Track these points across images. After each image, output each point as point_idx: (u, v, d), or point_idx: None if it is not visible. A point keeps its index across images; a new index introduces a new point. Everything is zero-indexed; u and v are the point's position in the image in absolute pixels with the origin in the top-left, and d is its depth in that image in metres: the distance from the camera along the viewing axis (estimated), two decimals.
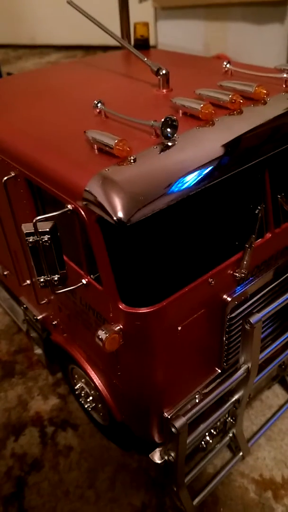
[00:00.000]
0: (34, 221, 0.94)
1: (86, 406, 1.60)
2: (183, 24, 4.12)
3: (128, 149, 0.96)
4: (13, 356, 2.02)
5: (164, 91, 1.34)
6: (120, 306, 1.03)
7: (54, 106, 1.36)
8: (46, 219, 0.97)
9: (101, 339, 1.04)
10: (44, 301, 1.48)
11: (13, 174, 1.20)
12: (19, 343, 2.09)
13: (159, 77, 1.33)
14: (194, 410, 1.19)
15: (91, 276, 1.12)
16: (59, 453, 1.63)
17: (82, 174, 0.96)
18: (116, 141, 0.96)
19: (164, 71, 1.31)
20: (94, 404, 1.55)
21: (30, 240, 0.96)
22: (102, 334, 1.04)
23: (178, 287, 1.07)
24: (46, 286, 1.05)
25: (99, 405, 1.52)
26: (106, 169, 0.94)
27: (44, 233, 0.96)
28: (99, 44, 5.21)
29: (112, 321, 1.09)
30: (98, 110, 1.20)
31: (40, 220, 0.96)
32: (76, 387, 1.63)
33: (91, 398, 1.55)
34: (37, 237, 0.96)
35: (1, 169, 1.26)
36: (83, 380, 1.57)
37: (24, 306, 1.69)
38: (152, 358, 1.13)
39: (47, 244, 0.97)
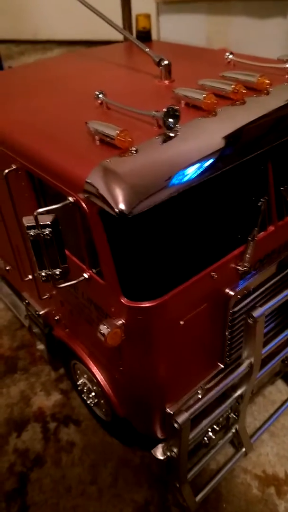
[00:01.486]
0: (35, 214, 0.93)
1: (88, 402, 1.60)
2: (185, 19, 4.10)
3: (129, 139, 0.95)
4: (15, 352, 2.02)
5: (166, 82, 1.32)
6: (122, 301, 1.02)
7: (55, 97, 1.35)
8: (47, 212, 0.96)
9: (103, 334, 1.03)
10: (46, 296, 1.47)
11: (14, 167, 1.19)
12: (21, 338, 2.08)
13: (160, 68, 1.31)
14: (196, 406, 1.18)
15: (93, 270, 1.11)
16: (61, 449, 1.62)
17: (83, 165, 0.95)
18: (117, 131, 0.94)
19: (166, 62, 1.29)
20: (96, 400, 1.54)
21: (31, 234, 0.95)
22: (104, 329, 1.03)
23: (181, 280, 1.06)
24: (48, 280, 1.03)
25: (102, 401, 1.51)
26: (108, 160, 0.92)
27: (45, 226, 0.95)
28: (102, 39, 5.19)
29: (114, 316, 1.08)
30: (99, 101, 1.18)
31: (41, 213, 0.95)
32: (78, 383, 1.62)
33: (93, 393, 1.55)
34: (38, 230, 0.95)
35: (1, 162, 1.24)
36: (85, 376, 1.56)
37: (26, 301, 1.68)
38: (154, 352, 1.12)
39: (48, 237, 0.96)
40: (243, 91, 1.13)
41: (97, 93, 1.17)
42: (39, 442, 1.65)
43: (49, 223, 0.94)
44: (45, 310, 1.57)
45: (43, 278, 1.03)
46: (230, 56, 1.42)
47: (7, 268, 1.78)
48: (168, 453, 1.27)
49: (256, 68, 1.34)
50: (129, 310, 1.03)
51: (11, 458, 1.61)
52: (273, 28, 3.85)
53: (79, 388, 1.63)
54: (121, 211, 0.86)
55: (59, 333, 1.54)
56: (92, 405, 1.59)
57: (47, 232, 0.96)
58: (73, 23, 5.23)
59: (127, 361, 1.19)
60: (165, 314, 1.05)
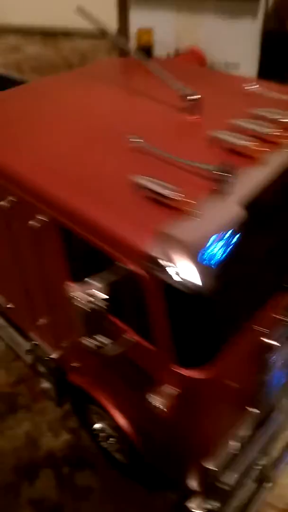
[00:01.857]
0: (91, 289, 0.83)
1: (106, 446, 1.51)
2: (155, 15, 3.97)
3: (190, 201, 0.86)
4: (14, 388, 1.89)
5: (194, 118, 1.23)
6: (179, 371, 0.95)
7: (74, 134, 1.21)
8: (96, 279, 0.87)
9: (158, 406, 0.95)
10: (64, 343, 1.36)
11: (41, 219, 1.06)
12: (18, 372, 1.95)
13: (188, 102, 1.22)
14: (243, 464, 1.14)
15: (138, 332, 1.02)
16: (79, 497, 1.54)
17: (140, 231, 0.85)
18: (178, 193, 0.85)
19: (195, 96, 1.20)
20: (117, 446, 1.46)
21: (85, 308, 0.85)
22: (158, 400, 0.96)
23: (234, 344, 1.00)
24: (98, 350, 0.93)
25: (123, 448, 1.43)
26: (172, 228, 0.83)
27: (100, 298, 0.85)
28: (61, 26, 5.05)
29: (162, 382, 1.00)
30: (136, 146, 1.07)
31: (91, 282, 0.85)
32: (94, 427, 1.52)
33: (113, 439, 1.47)
34: (91, 303, 0.85)
35: (24, 210, 1.11)
36: (104, 421, 1.47)
37: (35, 342, 1.56)
38: (202, 415, 1.06)
39: (103, 309, 0.86)
40: (285, 134, 1.07)
41: (134, 138, 1.06)
42: (54, 489, 1.56)
43: (105, 297, 0.85)
44: (59, 354, 1.46)
45: (93, 349, 0.93)
46: (252, 87, 1.35)
47: (8, 305, 1.64)
48: (209, 507, 1.22)
49: (280, 101, 1.28)
50: (186, 380, 0.95)
51: (27, 511, 1.51)
52: (243, 27, 3.83)
53: (93, 432, 1.54)
54: (197, 290, 0.78)
55: (76, 379, 1.44)
56: (109, 450, 1.51)
57: (101, 304, 0.86)
58: (30, 8, 5.02)
59: (167, 421, 1.12)
60: (220, 381, 0.99)
